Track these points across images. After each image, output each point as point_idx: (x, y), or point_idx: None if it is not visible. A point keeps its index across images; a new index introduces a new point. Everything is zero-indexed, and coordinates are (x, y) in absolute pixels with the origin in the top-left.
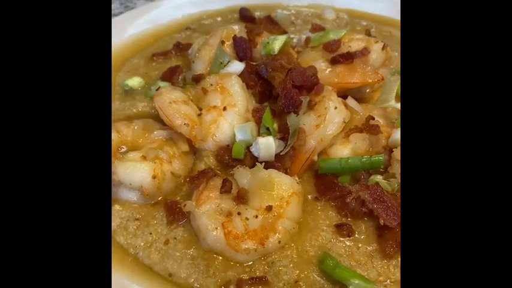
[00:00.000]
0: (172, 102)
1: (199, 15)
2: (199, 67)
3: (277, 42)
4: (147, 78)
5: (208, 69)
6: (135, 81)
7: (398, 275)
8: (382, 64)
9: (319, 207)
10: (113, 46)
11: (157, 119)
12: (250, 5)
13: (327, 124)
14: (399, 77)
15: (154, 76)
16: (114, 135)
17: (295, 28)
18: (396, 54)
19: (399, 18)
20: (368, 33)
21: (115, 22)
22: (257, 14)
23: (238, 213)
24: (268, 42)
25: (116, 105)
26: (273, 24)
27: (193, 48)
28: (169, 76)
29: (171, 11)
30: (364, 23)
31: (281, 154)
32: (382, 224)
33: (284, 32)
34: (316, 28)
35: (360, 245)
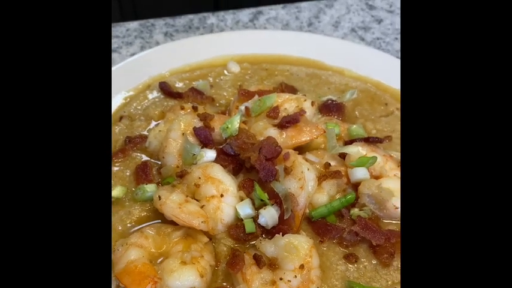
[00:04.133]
0: (181, 206)
1: (120, 101)
2: (171, 162)
3: (235, 124)
4: (122, 181)
5: (179, 160)
6: (117, 191)
7: (398, 277)
8: (313, 116)
9: (325, 248)
10: None
11: (162, 220)
12: (154, 77)
13: (307, 184)
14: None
15: (126, 177)
16: (140, 252)
17: (216, 92)
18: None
19: (294, 54)
20: (283, 86)
21: None
22: (177, 85)
23: (281, 279)
24: (228, 127)
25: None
26: (199, 94)
27: (150, 141)
28: (145, 176)
29: None
30: (266, 67)
31: (285, 218)
32: (374, 244)
33: (212, 100)
34: (244, 94)
35: (366, 264)
